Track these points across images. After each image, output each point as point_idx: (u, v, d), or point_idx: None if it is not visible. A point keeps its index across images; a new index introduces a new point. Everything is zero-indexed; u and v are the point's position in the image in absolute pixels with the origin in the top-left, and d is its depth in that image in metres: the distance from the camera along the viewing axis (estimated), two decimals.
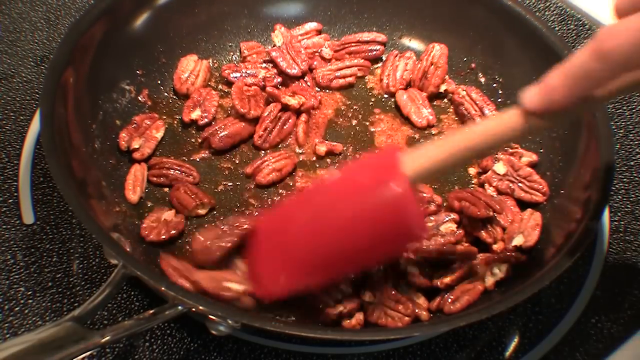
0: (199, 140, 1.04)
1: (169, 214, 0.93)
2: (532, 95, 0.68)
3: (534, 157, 1.01)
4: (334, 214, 0.77)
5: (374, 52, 1.16)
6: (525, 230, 0.91)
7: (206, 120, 1.04)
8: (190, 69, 1.09)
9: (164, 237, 0.89)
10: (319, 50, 1.16)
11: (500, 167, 1.00)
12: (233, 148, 1.03)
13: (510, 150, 1.01)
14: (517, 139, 0.84)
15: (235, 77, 1.09)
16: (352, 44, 1.16)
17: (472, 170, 1.04)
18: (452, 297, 0.84)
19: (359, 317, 0.83)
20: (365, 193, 0.76)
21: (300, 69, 1.10)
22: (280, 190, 0.99)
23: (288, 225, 0.81)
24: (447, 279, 0.85)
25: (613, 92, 0.68)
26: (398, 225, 0.75)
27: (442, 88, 1.12)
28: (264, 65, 1.12)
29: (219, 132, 1.02)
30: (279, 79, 1.10)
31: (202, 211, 0.95)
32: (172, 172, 0.98)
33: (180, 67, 1.09)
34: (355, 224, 0.76)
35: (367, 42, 1.16)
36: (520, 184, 0.97)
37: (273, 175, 0.98)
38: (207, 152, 1.03)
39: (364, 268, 0.84)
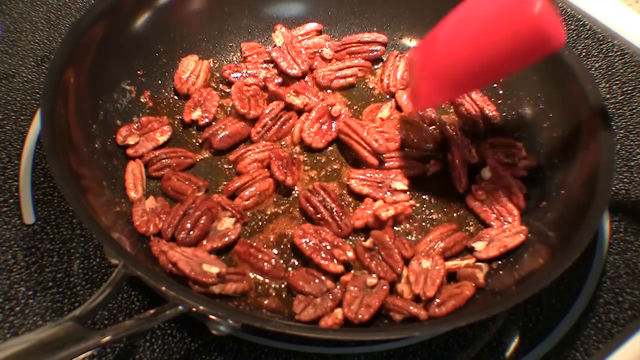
0: (200, 141, 1.04)
1: (150, 202, 0.94)
2: None
3: (532, 162, 1.01)
4: (475, 29, 0.88)
5: (375, 53, 1.16)
6: (495, 239, 0.93)
7: (207, 120, 1.04)
8: (191, 69, 1.09)
9: (161, 225, 0.91)
10: (320, 51, 1.16)
11: (485, 173, 1.00)
12: (234, 147, 1.03)
13: (506, 160, 1.02)
14: None
15: (236, 77, 1.10)
16: (353, 44, 1.16)
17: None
18: (438, 300, 0.84)
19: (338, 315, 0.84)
20: (493, 5, 0.85)
21: (300, 69, 1.10)
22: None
23: (436, 51, 0.93)
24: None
25: None
26: (533, 34, 0.81)
27: None
28: (264, 65, 1.12)
29: (219, 132, 1.02)
30: (280, 79, 1.10)
31: (199, 194, 0.96)
32: (169, 160, 0.99)
33: (181, 67, 1.09)
34: (491, 36, 0.85)
35: (367, 43, 1.16)
36: (494, 205, 0.97)
37: (254, 165, 0.99)
38: (208, 152, 1.03)
39: (505, 74, 0.97)
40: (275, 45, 1.14)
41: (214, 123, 1.04)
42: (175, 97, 1.10)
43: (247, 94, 1.06)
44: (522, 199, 0.97)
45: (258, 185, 0.96)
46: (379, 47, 1.16)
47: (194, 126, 1.06)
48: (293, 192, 0.99)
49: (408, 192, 0.98)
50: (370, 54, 1.16)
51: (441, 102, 1.00)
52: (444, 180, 1.01)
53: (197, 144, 1.04)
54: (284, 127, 1.05)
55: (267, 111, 1.04)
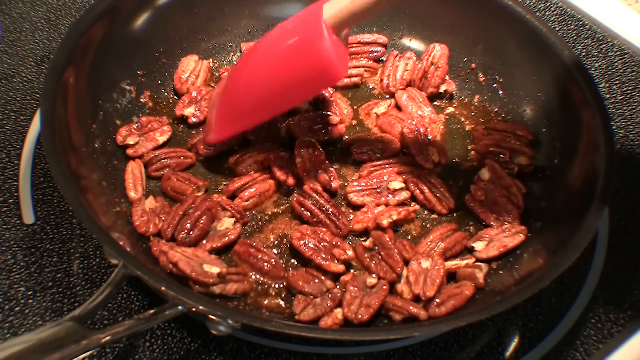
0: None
1: (150, 202, 0.94)
2: None
3: (525, 162, 1.01)
4: (261, 63, 0.92)
5: (375, 54, 1.16)
6: (495, 240, 0.93)
7: (196, 120, 1.05)
8: (191, 69, 1.09)
9: (161, 225, 0.90)
10: None
11: (484, 174, 1.00)
12: (222, 155, 1.02)
13: (504, 158, 1.02)
14: None
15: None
16: (354, 45, 1.16)
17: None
18: (438, 300, 0.84)
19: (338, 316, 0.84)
20: (287, 39, 0.89)
21: None
22: None
23: (230, 83, 0.99)
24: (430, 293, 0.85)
25: None
26: (315, 63, 0.87)
27: (442, 88, 1.12)
28: None
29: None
30: None
31: (199, 194, 0.96)
32: (169, 160, 0.99)
33: (181, 67, 1.09)
34: (281, 67, 0.90)
35: (368, 44, 1.16)
36: (493, 206, 0.97)
37: (255, 167, 0.99)
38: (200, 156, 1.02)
39: (292, 106, 1.00)
40: None
41: (201, 130, 1.05)
42: (176, 97, 1.10)
43: None
44: (522, 199, 0.97)
45: (258, 187, 0.96)
46: (379, 49, 1.16)
47: (185, 124, 1.06)
48: (294, 192, 0.99)
49: (408, 191, 0.98)
50: (371, 54, 1.16)
51: (234, 133, 0.98)
52: (443, 181, 1.01)
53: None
54: (278, 124, 1.05)
55: None
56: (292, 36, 0.89)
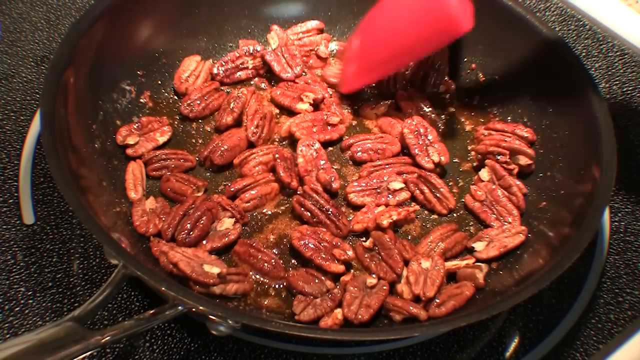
0: (199, 141, 1.04)
1: (150, 202, 0.93)
2: None
3: (525, 162, 1.01)
4: (389, 18, 1.00)
5: None
6: (495, 239, 0.93)
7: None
8: (192, 68, 1.09)
9: (161, 225, 0.90)
10: (316, 49, 1.16)
11: (484, 174, 1.00)
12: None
13: (503, 158, 1.01)
14: None
15: (222, 71, 1.10)
16: None
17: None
18: (437, 300, 0.84)
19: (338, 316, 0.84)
20: None
21: (294, 73, 1.10)
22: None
23: (361, 38, 1.06)
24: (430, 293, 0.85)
25: None
26: (438, 13, 0.91)
27: (442, 89, 1.12)
28: (250, 60, 1.13)
29: (218, 148, 0.99)
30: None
31: (199, 194, 0.96)
32: (169, 161, 0.99)
33: (182, 67, 1.09)
34: (407, 20, 0.97)
35: None
36: (493, 205, 0.97)
37: (259, 168, 0.99)
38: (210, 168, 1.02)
39: (417, 58, 1.08)
40: (269, 47, 1.13)
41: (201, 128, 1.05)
42: (175, 97, 1.10)
43: (207, 90, 1.07)
44: (522, 199, 0.97)
45: (260, 189, 0.96)
46: None
47: (193, 125, 1.06)
48: (295, 192, 0.99)
49: (408, 191, 0.98)
50: None
51: (364, 83, 1.09)
52: (443, 181, 1.01)
53: (197, 144, 1.04)
54: (275, 122, 1.06)
55: (251, 112, 1.05)
56: None
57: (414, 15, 0.96)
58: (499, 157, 1.01)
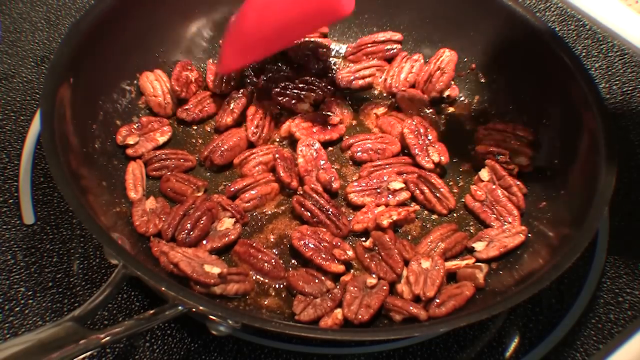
0: (200, 141, 1.04)
1: (151, 202, 0.93)
2: None
3: (525, 162, 1.01)
4: None
5: (392, 51, 1.16)
6: (495, 239, 0.93)
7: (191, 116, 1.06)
8: (158, 88, 1.06)
9: (161, 225, 0.90)
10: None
11: (484, 174, 1.00)
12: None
13: (504, 158, 1.01)
14: None
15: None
16: (369, 45, 1.16)
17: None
18: (437, 300, 0.84)
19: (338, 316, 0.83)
20: None
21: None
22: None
23: (241, 16, 1.00)
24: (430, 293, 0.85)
25: None
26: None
27: (445, 93, 1.12)
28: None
29: (218, 148, 1.00)
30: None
31: (199, 194, 0.96)
32: (169, 161, 0.99)
33: (147, 91, 1.06)
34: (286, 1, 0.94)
35: (383, 42, 1.16)
36: (493, 205, 0.97)
37: (259, 168, 0.99)
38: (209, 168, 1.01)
39: (297, 39, 1.10)
40: None
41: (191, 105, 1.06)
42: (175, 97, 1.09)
43: (186, 80, 1.07)
44: (522, 199, 0.97)
45: (260, 189, 0.96)
46: (395, 46, 1.16)
47: (192, 126, 1.06)
48: (295, 192, 0.99)
49: (408, 191, 0.98)
50: (387, 52, 1.16)
51: (243, 64, 1.07)
52: (443, 181, 1.01)
53: (197, 144, 1.04)
54: (275, 122, 1.06)
55: (251, 112, 1.04)
56: None
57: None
58: (499, 157, 1.01)
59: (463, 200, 1.00)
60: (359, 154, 1.03)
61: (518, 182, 0.99)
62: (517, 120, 1.07)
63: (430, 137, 1.03)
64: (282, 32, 0.97)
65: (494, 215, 0.97)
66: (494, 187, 0.98)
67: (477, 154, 1.05)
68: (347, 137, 1.06)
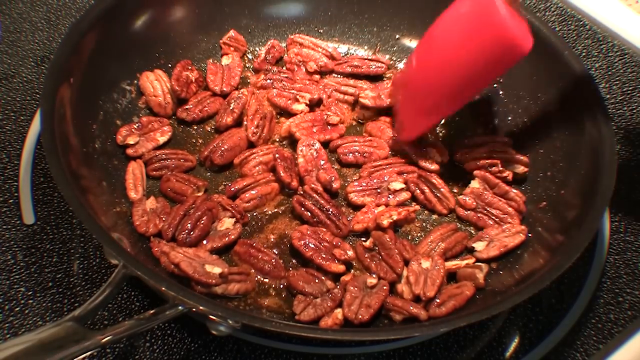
0: (200, 141, 1.04)
1: (151, 202, 0.93)
2: None
3: (522, 171, 1.01)
4: (442, 51, 0.91)
5: (376, 69, 1.14)
6: (495, 239, 0.93)
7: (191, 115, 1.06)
8: (158, 88, 1.06)
9: (161, 225, 0.90)
10: (306, 62, 1.14)
11: (475, 185, 0.99)
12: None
13: (496, 168, 1.00)
14: None
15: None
16: (356, 59, 1.15)
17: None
18: (438, 300, 0.84)
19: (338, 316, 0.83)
20: (460, 20, 0.88)
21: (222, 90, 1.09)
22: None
23: (413, 77, 0.98)
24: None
25: None
26: (499, 39, 0.84)
27: None
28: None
29: (218, 148, 0.99)
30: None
31: (199, 194, 0.96)
32: (169, 161, 0.99)
33: (147, 91, 1.06)
34: (461, 49, 0.88)
35: (371, 60, 1.15)
36: (487, 210, 0.97)
37: (259, 168, 0.99)
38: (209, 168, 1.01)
39: (480, 89, 1.00)
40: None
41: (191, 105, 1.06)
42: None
43: (186, 80, 1.06)
44: (522, 203, 0.96)
45: (260, 189, 0.96)
46: (381, 64, 1.14)
47: (193, 126, 1.06)
48: (295, 192, 0.99)
49: (408, 191, 0.98)
50: (371, 68, 1.14)
51: (426, 128, 1.00)
52: (443, 181, 1.01)
53: (197, 144, 1.04)
54: (275, 122, 1.06)
55: (251, 112, 1.04)
56: (464, 15, 0.88)
57: (466, 46, 0.88)
58: (491, 169, 1.00)
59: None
60: (343, 155, 1.02)
61: (515, 190, 0.97)
62: (517, 120, 1.07)
63: (430, 137, 1.02)
64: (462, 88, 0.92)
65: (491, 221, 0.96)
66: (481, 190, 0.98)
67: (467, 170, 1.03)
68: (336, 138, 1.05)
